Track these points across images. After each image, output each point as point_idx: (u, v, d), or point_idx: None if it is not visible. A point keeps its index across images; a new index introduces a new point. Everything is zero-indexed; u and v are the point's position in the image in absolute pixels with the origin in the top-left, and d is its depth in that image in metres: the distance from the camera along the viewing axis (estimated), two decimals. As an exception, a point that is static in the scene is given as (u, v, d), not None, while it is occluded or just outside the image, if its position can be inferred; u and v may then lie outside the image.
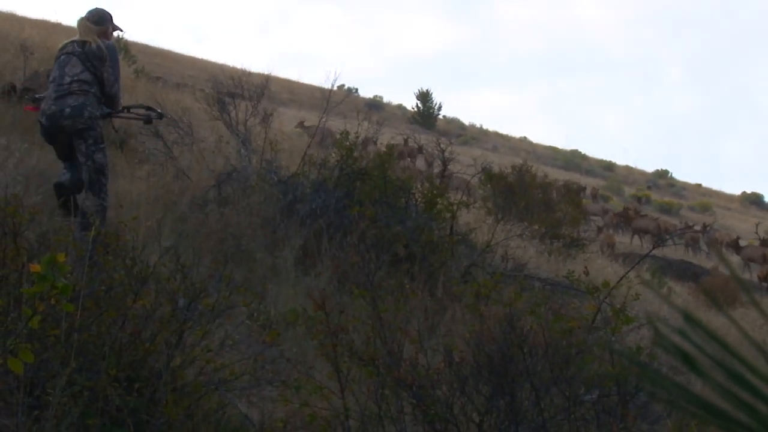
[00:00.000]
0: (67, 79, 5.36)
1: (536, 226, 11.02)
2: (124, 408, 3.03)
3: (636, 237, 22.09)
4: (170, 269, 3.53)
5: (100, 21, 5.62)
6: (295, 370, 3.82)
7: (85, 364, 3.03)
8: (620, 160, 45.41)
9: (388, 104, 43.55)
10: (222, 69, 15.47)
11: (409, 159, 19.06)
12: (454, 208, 7.20)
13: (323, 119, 8.65)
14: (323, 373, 3.69)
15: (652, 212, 26.32)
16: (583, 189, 22.06)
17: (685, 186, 42.83)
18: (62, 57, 5.48)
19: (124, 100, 6.03)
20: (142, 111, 6.03)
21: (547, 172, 15.79)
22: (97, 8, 5.70)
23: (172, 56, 36.14)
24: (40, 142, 6.06)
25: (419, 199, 7.28)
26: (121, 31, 5.90)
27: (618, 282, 4.86)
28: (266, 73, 10.92)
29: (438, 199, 7.22)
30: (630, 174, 42.68)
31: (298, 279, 5.91)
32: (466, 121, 45.42)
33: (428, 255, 6.45)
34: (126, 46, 18.11)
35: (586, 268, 5.00)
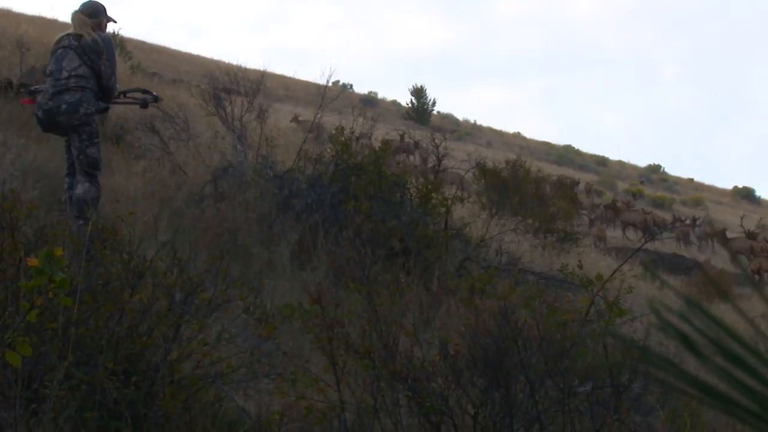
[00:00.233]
0: (65, 74, 5.36)
1: (530, 221, 11.05)
2: (121, 401, 3.04)
3: (627, 230, 22.18)
4: (167, 264, 3.55)
5: (94, 13, 5.61)
6: (292, 364, 3.84)
7: (83, 357, 3.04)
8: (613, 155, 45.55)
9: (383, 100, 43.55)
10: (218, 65, 15.43)
11: (405, 154, 19.09)
12: (449, 202, 7.22)
13: (318, 115, 8.66)
14: (319, 366, 3.70)
15: (645, 207, 26.36)
16: (577, 183, 22.09)
17: (677, 181, 42.92)
18: (59, 51, 5.47)
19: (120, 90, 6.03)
20: (138, 94, 6.03)
21: (540, 167, 15.81)
22: (90, 0, 5.68)
23: (168, 52, 36.06)
24: (37, 137, 6.07)
25: (414, 194, 7.30)
26: (115, 22, 5.89)
27: (611, 275, 4.89)
28: (262, 69, 10.90)
29: (433, 194, 7.24)
30: (623, 169, 42.77)
31: (294, 273, 5.92)
32: (460, 117, 45.44)
33: (423, 249, 6.47)
34: (122, 43, 18.02)
35: (579, 261, 5.02)
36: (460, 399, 3.45)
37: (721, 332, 0.52)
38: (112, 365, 3.03)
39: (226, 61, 25.85)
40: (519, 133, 46.44)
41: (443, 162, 13.29)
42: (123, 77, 8.74)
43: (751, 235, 20.46)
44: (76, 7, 5.62)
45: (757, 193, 41.53)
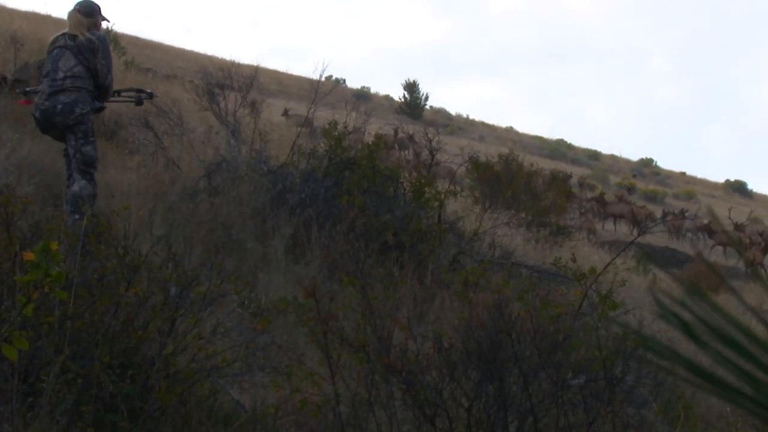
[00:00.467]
0: (61, 74, 5.38)
1: (523, 214, 11.09)
2: (117, 395, 3.05)
3: (617, 224, 22.23)
4: (162, 258, 3.55)
5: (90, 13, 5.62)
6: (286, 357, 3.85)
7: (79, 351, 3.05)
8: (605, 149, 45.65)
9: (376, 95, 43.49)
10: (211, 60, 15.42)
11: (398, 149, 19.08)
12: (442, 196, 7.24)
13: (312, 110, 8.66)
14: (314, 359, 3.72)
15: (638, 200, 26.44)
16: (569, 177, 22.12)
17: (669, 174, 43.02)
18: (55, 51, 5.48)
19: (115, 87, 6.05)
20: (132, 93, 6.09)
21: (533, 162, 15.85)
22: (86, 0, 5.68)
23: (162, 48, 35.95)
24: (31, 132, 6.06)
25: (407, 188, 7.31)
26: (108, 21, 5.91)
27: (604, 269, 4.91)
28: (255, 64, 10.94)
29: (426, 188, 7.25)
30: (615, 163, 42.86)
31: (289, 267, 5.93)
32: (452, 111, 45.49)
33: (417, 243, 6.48)
34: (116, 38, 18.00)
35: (573, 255, 5.05)
36: (454, 392, 3.47)
37: (721, 319, 0.53)
38: (107, 359, 3.04)
39: (220, 57, 25.86)
40: (511, 127, 46.56)
41: (436, 156, 13.29)
42: (117, 73, 8.73)
43: (738, 227, 20.58)
44: (72, 6, 5.62)
45: (749, 186, 41.75)
